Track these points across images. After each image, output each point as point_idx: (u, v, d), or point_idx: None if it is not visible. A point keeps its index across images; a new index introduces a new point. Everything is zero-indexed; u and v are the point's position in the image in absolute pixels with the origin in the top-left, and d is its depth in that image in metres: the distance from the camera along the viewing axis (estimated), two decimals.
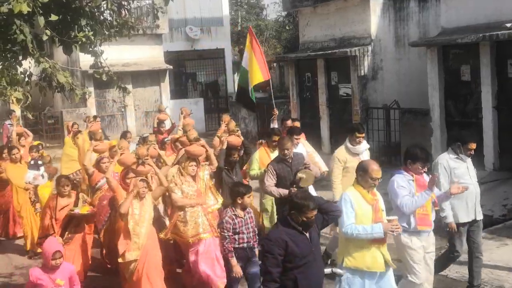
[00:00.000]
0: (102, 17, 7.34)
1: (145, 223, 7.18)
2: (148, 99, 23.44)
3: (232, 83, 30.55)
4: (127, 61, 21.72)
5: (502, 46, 11.98)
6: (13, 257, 10.10)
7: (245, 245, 6.98)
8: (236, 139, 9.02)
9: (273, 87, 32.72)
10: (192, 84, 29.44)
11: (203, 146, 8.12)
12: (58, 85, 6.59)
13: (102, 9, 7.24)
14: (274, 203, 8.36)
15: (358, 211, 5.87)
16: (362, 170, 5.97)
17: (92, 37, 6.31)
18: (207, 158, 8.28)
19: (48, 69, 6.33)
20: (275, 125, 11.60)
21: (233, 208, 6.99)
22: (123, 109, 22.92)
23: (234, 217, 6.93)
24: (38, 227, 9.47)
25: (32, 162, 10.26)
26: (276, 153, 8.41)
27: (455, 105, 13.34)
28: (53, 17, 5.91)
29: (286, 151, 7.77)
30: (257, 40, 11.91)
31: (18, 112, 17.54)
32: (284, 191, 7.56)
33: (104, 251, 8.97)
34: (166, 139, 11.34)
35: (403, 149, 14.20)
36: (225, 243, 6.88)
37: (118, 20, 7.60)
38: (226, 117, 10.26)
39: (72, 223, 8.12)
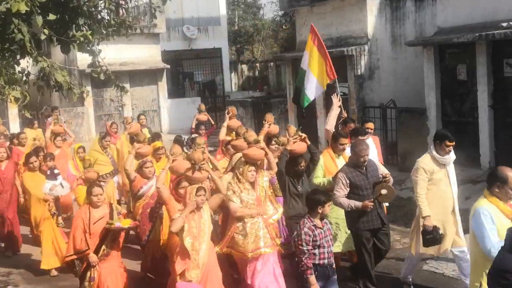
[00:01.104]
0: (99, 16, 7.38)
1: (205, 237, 6.46)
2: (145, 98, 23.46)
3: (229, 82, 30.59)
4: (124, 60, 21.74)
5: (498, 46, 12.02)
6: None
7: (325, 261, 6.19)
8: (301, 146, 7.82)
9: (270, 86, 32.75)
10: (189, 83, 29.45)
11: (262, 149, 7.33)
12: (56, 84, 6.62)
13: (99, 8, 7.28)
14: (343, 215, 7.54)
15: (498, 227, 5.15)
16: (500, 180, 5.21)
17: (90, 36, 6.33)
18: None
19: (46, 68, 6.36)
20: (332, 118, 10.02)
21: (311, 219, 6.19)
22: (120, 108, 22.93)
23: (313, 228, 6.12)
24: (60, 243, 8.91)
25: (48, 172, 9.35)
26: (341, 159, 7.79)
27: (451, 104, 13.39)
28: (51, 16, 5.94)
29: (365, 157, 7.01)
30: (320, 38, 10.67)
31: (15, 110, 17.36)
32: (357, 204, 6.93)
33: (146, 265, 8.34)
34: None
35: (399, 148, 14.28)
36: (303, 258, 6.02)
37: (115, 19, 7.63)
38: (269, 117, 9.28)
39: (109, 238, 7.09)
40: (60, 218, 9.65)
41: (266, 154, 7.32)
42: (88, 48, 7.02)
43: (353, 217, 7.19)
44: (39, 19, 5.63)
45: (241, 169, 7.09)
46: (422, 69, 13.82)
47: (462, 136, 12.64)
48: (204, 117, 12.85)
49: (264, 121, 9.16)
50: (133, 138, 10.39)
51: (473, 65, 12.61)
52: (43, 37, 6.00)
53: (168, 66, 23.69)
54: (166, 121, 23.69)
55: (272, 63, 32.55)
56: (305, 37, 17.94)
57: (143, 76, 23.04)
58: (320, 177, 7.80)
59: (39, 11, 5.68)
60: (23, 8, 5.37)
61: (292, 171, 7.61)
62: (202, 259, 6.40)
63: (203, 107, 13.45)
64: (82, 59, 16.77)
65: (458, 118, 13.26)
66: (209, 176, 6.82)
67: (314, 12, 17.51)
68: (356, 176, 7.07)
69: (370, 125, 9.42)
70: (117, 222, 7.00)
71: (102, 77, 7.37)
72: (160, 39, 23.84)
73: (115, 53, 18.53)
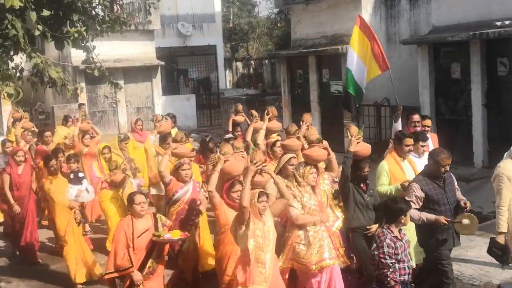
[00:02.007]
0: (94, 13, 7.35)
1: (270, 246, 5.73)
2: (139, 95, 23.40)
3: (224, 79, 30.55)
4: (119, 57, 21.68)
5: (492, 45, 12.07)
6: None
7: (405, 277, 5.66)
8: (365, 147, 6.98)
9: (264, 84, 32.75)
10: (184, 80, 29.39)
11: (325, 148, 6.69)
12: (49, 80, 6.59)
13: (94, 5, 7.25)
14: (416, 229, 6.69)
15: None
16: None
17: (84, 33, 6.30)
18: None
19: (40, 64, 6.33)
20: (398, 124, 9.29)
21: (391, 229, 5.66)
22: (114, 105, 22.87)
23: (395, 240, 5.61)
24: (86, 254, 8.27)
25: (72, 176, 8.62)
26: (406, 163, 7.09)
27: (445, 103, 13.43)
28: (45, 12, 5.91)
29: (447, 168, 6.20)
30: (370, 28, 10.05)
31: (8, 106, 17.00)
32: (429, 217, 6.13)
33: (176, 277, 7.64)
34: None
35: None
36: (389, 273, 5.51)
37: (110, 15, 7.60)
38: (308, 117, 8.69)
39: (155, 252, 6.30)
40: (87, 225, 8.98)
41: (328, 154, 6.73)
42: (82, 44, 6.98)
43: (426, 232, 6.38)
44: (33, 15, 5.60)
45: (301, 170, 6.40)
46: (417, 67, 13.85)
47: (456, 134, 12.69)
48: (241, 118, 11.57)
49: (302, 122, 8.51)
50: (164, 138, 9.76)
51: (467, 63, 12.65)
52: (37, 33, 5.97)
53: (163, 63, 23.64)
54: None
55: (266, 61, 32.56)
56: (300, 34, 17.96)
57: (137, 73, 22.99)
58: (385, 185, 6.98)
59: (33, 6, 5.66)
60: (17, 3, 5.34)
61: (355, 177, 6.75)
62: (268, 272, 5.70)
63: (240, 107, 12.18)
64: (76, 56, 16.70)
65: (452, 117, 13.30)
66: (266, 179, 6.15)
67: (309, 10, 17.52)
68: (433, 189, 6.25)
69: (428, 122, 8.57)
70: (166, 234, 6.19)
71: (96, 73, 7.34)
72: (154, 36, 23.79)
73: (110, 50, 18.45)
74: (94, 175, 10.16)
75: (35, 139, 11.96)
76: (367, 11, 15.74)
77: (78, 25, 6.71)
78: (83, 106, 14.73)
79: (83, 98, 21.53)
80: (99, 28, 7.40)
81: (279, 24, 32.89)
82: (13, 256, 9.64)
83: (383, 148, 14.51)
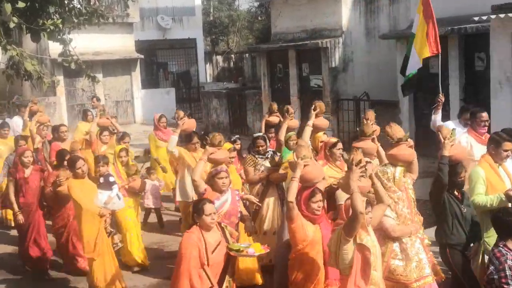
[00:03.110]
0: (71, 5, 7.27)
1: (377, 262, 4.98)
2: (118, 89, 23.22)
3: (204, 73, 30.46)
4: (97, 50, 21.48)
5: (470, 40, 12.17)
6: None
7: None
8: (461, 151, 6.25)
9: (245, 77, 32.68)
10: (164, 73, 29.25)
11: (411, 147, 5.90)
12: (25, 73, 6.52)
13: None
14: None
15: None
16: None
17: (61, 25, 6.24)
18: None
19: (16, 57, 6.26)
20: (438, 116, 8.51)
21: (509, 247, 4.90)
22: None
23: None
24: (116, 271, 7.25)
25: (101, 180, 7.57)
26: (501, 170, 6.19)
27: (423, 97, 13.51)
28: (21, 4, 5.84)
29: None
30: (429, 5, 8.85)
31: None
32: None
33: None
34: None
35: None
36: None
37: (87, 8, 7.54)
38: (371, 115, 7.87)
39: (230, 269, 5.47)
40: (116, 237, 7.66)
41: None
42: (59, 37, 6.92)
43: None
44: (8, 7, 5.54)
45: (389, 174, 5.65)
46: (396, 62, 13.92)
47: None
48: (275, 119, 10.02)
49: (365, 119, 7.71)
50: (189, 137, 8.62)
51: (445, 58, 12.74)
52: (12, 25, 5.90)
53: (142, 56, 23.49)
54: (139, 112, 23.49)
55: (247, 55, 32.51)
56: (280, 28, 17.95)
57: (116, 66, 22.80)
58: (482, 194, 6.04)
59: None
60: None
61: (450, 182, 5.80)
62: None
63: (275, 106, 10.43)
64: (54, 48, 16.50)
65: (430, 111, 13.39)
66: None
67: (289, 4, 17.50)
68: None
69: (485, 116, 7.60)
70: (249, 248, 5.37)
71: (73, 66, 7.28)
72: (134, 29, 23.61)
73: (88, 43, 18.30)
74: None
75: (51, 136, 10.72)
76: (347, 6, 15.78)
77: (55, 17, 6.64)
78: (97, 99, 12.96)
79: (61, 91, 21.33)
80: (76, 21, 7.32)
81: (259, 18, 32.84)
82: (23, 270, 8.49)
83: None
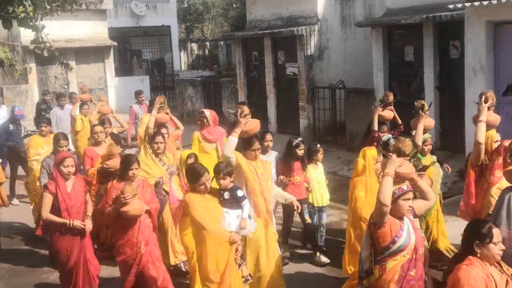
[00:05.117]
0: None
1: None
2: (92, 76, 22.94)
3: (179, 61, 30.23)
4: (70, 37, 21.18)
5: (445, 28, 12.23)
6: None
7: None
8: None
9: (220, 65, 32.51)
10: (138, 61, 28.98)
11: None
12: None
13: None
14: None
15: None
16: None
17: (32, 12, 6.09)
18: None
19: None
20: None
21: None
22: (66, 86, 22.38)
23: None
24: None
25: (226, 196, 5.89)
26: None
27: (399, 85, 13.58)
28: None
29: None
30: None
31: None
32: None
33: None
34: None
35: (348, 129, 14.42)
36: None
37: None
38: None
39: None
40: (245, 268, 6.07)
41: None
42: (30, 23, 6.76)
43: None
44: None
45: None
46: (371, 50, 13.96)
47: (409, 116, 12.83)
48: (390, 114, 8.72)
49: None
50: (248, 141, 6.51)
51: (420, 46, 12.81)
52: None
53: (116, 44, 23.24)
54: (113, 100, 23.24)
55: (222, 42, 32.34)
56: (256, 16, 17.85)
57: (89, 53, 22.52)
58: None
59: None
60: None
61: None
62: None
63: (391, 97, 8.89)
64: (26, 35, 16.20)
65: (405, 99, 13.44)
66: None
67: None
68: None
69: None
70: None
71: (45, 53, 7.13)
72: (107, 16, 23.31)
73: (61, 29, 18.00)
74: (173, 193, 6.76)
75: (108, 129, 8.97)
76: None
77: (26, 3, 6.48)
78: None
79: (33, 79, 21.00)
80: (48, 7, 7.16)
81: (234, 5, 32.65)
82: None
83: (338, 131, 14.75)
